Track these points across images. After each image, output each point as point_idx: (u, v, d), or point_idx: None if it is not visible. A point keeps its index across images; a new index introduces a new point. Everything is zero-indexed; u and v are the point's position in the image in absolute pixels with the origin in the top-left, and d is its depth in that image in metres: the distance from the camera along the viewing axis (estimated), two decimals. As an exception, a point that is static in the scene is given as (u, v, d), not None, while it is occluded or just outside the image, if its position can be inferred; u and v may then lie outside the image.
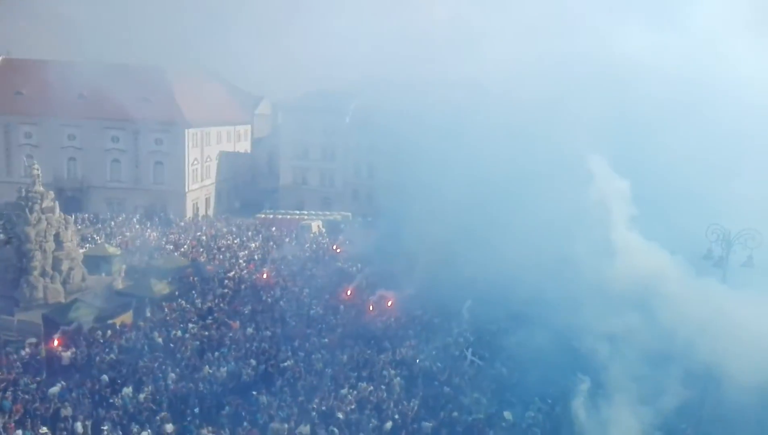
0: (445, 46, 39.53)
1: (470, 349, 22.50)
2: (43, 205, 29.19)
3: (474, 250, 27.03)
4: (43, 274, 28.70)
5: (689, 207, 19.65)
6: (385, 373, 20.65)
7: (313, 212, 51.37)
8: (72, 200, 49.34)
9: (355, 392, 19.22)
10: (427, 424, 17.47)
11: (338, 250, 39.09)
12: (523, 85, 29.70)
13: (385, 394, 19.21)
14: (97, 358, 21.37)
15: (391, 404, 18.63)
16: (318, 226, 46.16)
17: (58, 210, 30.13)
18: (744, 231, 15.98)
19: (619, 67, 25.87)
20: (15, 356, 21.46)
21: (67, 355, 21.51)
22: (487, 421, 18.00)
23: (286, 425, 16.98)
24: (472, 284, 27.62)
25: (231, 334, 23.85)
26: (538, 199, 26.91)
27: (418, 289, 30.57)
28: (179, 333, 23.82)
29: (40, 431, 16.25)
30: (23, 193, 29.18)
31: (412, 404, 18.67)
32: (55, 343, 22.07)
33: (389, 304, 27.55)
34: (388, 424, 17.31)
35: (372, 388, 19.46)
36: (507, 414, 18.35)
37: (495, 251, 25.24)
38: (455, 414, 18.17)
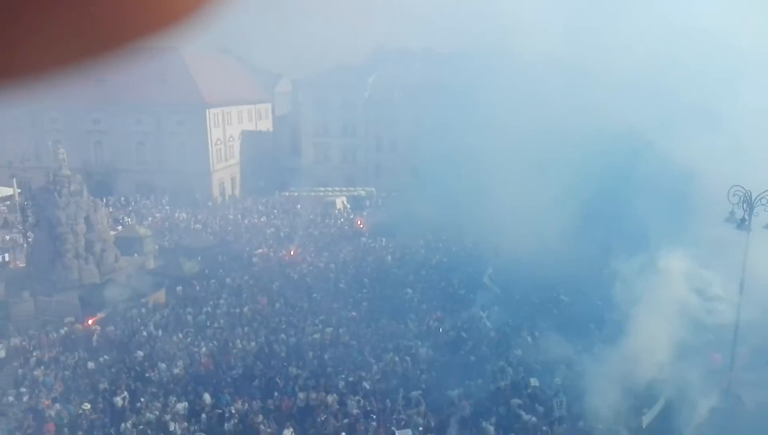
0: (462, 14, 39.01)
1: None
2: (71, 189, 29.92)
3: (496, 220, 27.11)
4: (77, 256, 29.54)
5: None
6: (410, 343, 21.00)
7: (338, 188, 51.57)
8: (101, 184, 50.28)
9: (381, 363, 19.62)
10: (453, 393, 17.77)
11: (362, 226, 39.37)
12: (543, 50, 29.28)
13: (410, 365, 19.56)
14: (134, 336, 22.15)
15: (417, 374, 18.99)
16: (342, 202, 46.45)
17: (86, 193, 30.87)
18: (766, 192, 15.75)
19: None
20: (54, 335, 22.31)
21: (103, 331, 22.34)
22: (513, 388, 18.22)
23: (314, 395, 17.47)
24: (494, 254, 27.83)
25: (260, 310, 24.45)
26: (562, 168, 26.79)
27: (441, 261, 30.88)
28: (210, 309, 24.47)
29: (83, 406, 16.96)
30: (51, 178, 29.92)
31: (436, 374, 19.01)
32: (89, 322, 22.91)
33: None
34: (414, 393, 17.66)
35: (398, 358, 19.82)
36: (533, 381, 18.52)
37: (517, 220, 25.32)
38: (480, 382, 18.45)
